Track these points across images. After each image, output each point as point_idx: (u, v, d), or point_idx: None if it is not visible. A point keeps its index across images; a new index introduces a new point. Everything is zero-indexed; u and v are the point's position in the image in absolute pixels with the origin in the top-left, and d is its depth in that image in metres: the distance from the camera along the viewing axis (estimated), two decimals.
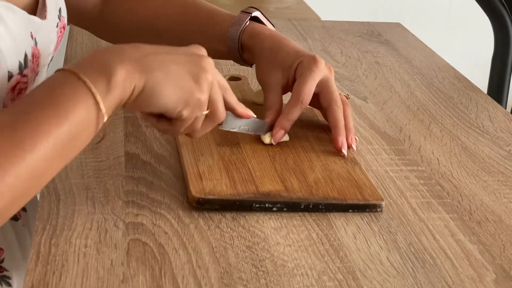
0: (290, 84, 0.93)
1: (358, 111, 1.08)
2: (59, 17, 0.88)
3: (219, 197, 0.78)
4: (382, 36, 1.47)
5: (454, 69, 1.31)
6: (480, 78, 1.85)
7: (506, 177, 0.92)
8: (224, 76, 1.10)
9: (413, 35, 1.51)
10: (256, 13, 0.99)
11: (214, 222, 0.76)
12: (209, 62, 0.76)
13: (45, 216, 0.75)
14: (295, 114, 0.90)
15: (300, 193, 0.80)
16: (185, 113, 0.74)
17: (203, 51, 0.78)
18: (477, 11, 1.77)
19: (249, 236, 0.75)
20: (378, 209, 0.81)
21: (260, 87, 0.99)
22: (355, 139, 0.91)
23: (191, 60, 0.74)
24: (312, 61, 0.90)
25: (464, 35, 2.77)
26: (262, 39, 0.96)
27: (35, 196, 0.85)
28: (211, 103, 0.76)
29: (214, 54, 0.99)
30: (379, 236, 0.77)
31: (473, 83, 1.25)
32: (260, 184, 0.81)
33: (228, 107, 0.82)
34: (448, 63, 1.34)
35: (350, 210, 0.80)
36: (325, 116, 0.93)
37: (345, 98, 0.94)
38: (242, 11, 0.99)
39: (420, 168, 0.92)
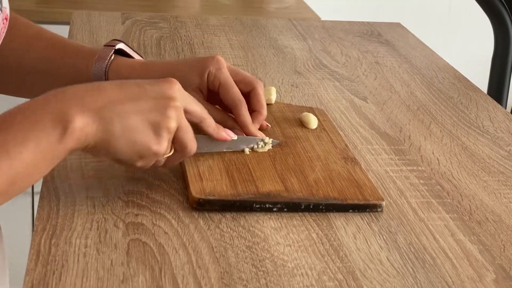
0: (207, 94, 0.90)
1: (358, 111, 1.08)
2: (1, 8, 0.85)
3: (219, 198, 0.78)
4: (382, 36, 1.47)
5: (454, 69, 1.31)
6: (480, 78, 1.84)
7: (506, 177, 0.92)
8: None
9: (413, 35, 1.51)
10: (120, 45, 0.94)
11: (214, 222, 0.76)
12: (175, 106, 0.74)
13: (45, 216, 0.75)
14: (248, 116, 0.88)
15: (301, 193, 0.80)
16: (140, 164, 0.76)
17: (173, 88, 0.75)
18: (477, 11, 1.77)
19: (249, 236, 0.74)
20: (378, 209, 0.81)
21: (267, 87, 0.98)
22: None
23: (155, 107, 0.73)
24: (216, 62, 0.89)
25: (464, 35, 2.77)
26: (133, 70, 0.92)
27: None
28: (178, 143, 0.77)
29: None
30: (379, 236, 0.77)
31: (473, 83, 1.25)
32: (260, 184, 0.81)
33: (207, 134, 0.81)
34: (448, 63, 1.34)
35: (351, 210, 0.80)
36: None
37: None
38: (105, 45, 0.94)
39: (420, 168, 0.92)
